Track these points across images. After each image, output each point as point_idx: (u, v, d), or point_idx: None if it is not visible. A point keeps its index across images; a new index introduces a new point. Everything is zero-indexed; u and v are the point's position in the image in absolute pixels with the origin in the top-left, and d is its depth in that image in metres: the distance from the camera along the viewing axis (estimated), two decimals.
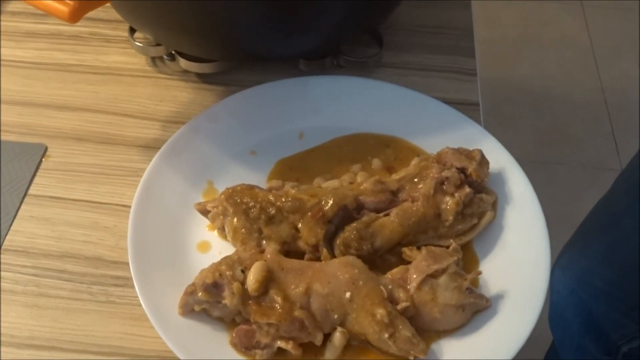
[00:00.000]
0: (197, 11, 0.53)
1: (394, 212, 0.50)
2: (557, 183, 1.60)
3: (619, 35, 1.93)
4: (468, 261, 0.50)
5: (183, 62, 0.62)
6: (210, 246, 0.51)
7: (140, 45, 0.63)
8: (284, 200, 0.50)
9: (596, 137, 1.72)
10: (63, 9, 0.45)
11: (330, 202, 0.49)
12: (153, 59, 0.65)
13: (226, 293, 0.44)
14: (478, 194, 0.52)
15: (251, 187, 0.51)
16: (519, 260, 0.50)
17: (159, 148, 0.55)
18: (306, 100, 0.60)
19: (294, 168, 0.56)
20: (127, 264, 0.48)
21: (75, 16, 0.46)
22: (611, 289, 0.75)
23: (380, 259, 0.50)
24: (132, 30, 0.64)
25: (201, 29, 0.56)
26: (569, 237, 0.82)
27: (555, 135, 1.71)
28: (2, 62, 0.64)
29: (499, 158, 0.55)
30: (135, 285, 0.47)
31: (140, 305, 0.46)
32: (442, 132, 0.58)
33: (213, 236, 0.52)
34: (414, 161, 0.54)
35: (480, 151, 0.53)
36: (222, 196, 0.50)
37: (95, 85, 0.63)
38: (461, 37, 0.69)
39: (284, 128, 0.59)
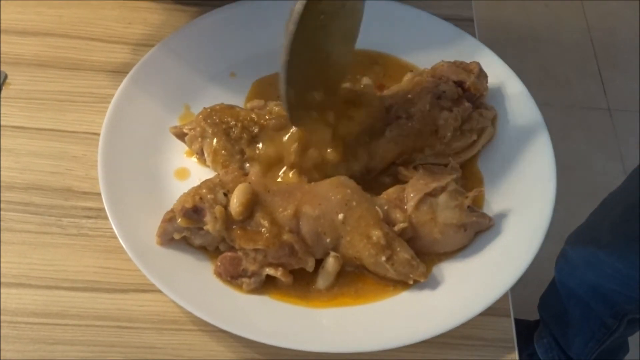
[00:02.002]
0: None
1: (387, 129, 0.45)
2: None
3: None
4: (471, 180, 0.46)
5: None
6: (189, 173, 0.47)
7: None
8: (267, 117, 0.45)
9: (583, 77, 1.69)
10: None
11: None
12: None
13: (208, 218, 0.40)
14: (477, 109, 0.48)
15: (231, 107, 0.47)
16: (523, 177, 0.46)
17: (129, 72, 0.50)
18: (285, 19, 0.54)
19: (275, 85, 0.52)
20: (99, 194, 0.44)
21: None
22: (622, 277, 0.72)
23: (374, 180, 0.46)
24: None
25: None
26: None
27: (542, 76, 1.67)
28: None
29: (497, 71, 0.51)
30: (109, 215, 0.43)
31: (115, 237, 0.42)
32: (435, 47, 0.53)
33: (192, 163, 0.48)
34: (407, 77, 0.50)
35: (478, 63, 0.49)
36: (200, 116, 0.46)
37: (57, 8, 0.57)
38: None
39: (266, 48, 0.53)
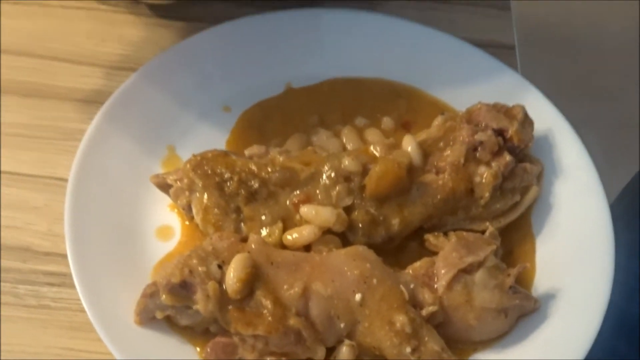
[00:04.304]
0: None
1: (414, 187, 0.46)
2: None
3: None
4: (520, 243, 0.47)
5: None
6: (174, 232, 0.47)
7: None
8: (270, 170, 0.46)
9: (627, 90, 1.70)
10: None
11: (332, 174, 0.45)
12: None
13: (198, 295, 0.40)
14: (520, 162, 0.48)
15: (226, 154, 0.47)
16: (574, 250, 0.47)
17: (101, 102, 0.50)
18: (295, 40, 0.55)
19: (272, 117, 0.53)
20: (64, 255, 0.44)
21: None
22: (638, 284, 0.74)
23: (397, 246, 0.46)
24: None
25: None
26: None
27: (584, 87, 1.69)
28: None
29: (545, 116, 0.52)
30: (76, 283, 0.43)
31: (82, 311, 0.42)
32: (470, 82, 0.54)
33: (177, 218, 0.48)
34: (437, 120, 0.50)
35: (523, 108, 0.49)
36: (188, 165, 0.46)
37: (18, 20, 0.57)
38: None
39: (267, 77, 0.54)
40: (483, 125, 0.49)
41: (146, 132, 0.50)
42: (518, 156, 0.49)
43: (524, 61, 0.60)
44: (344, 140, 0.51)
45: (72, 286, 0.43)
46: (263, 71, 0.54)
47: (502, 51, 0.57)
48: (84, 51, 0.56)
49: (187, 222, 0.47)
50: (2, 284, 0.45)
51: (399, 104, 0.54)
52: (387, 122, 0.52)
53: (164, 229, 0.47)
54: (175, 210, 0.48)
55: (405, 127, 0.53)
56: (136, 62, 0.55)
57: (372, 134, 0.51)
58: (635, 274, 0.75)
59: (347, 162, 0.45)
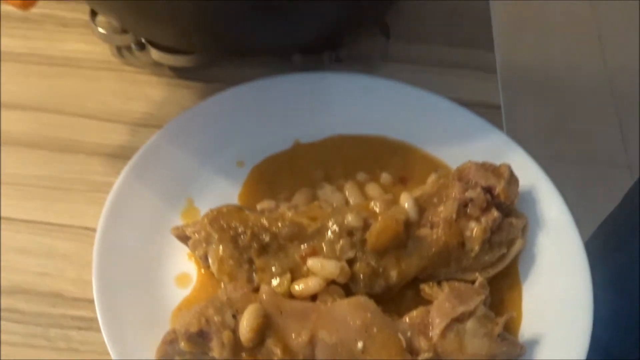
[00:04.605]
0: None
1: (410, 241, 0.45)
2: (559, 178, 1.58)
3: (628, 21, 1.91)
4: (507, 291, 0.47)
5: (155, 54, 0.56)
6: (191, 280, 0.47)
7: (104, 32, 0.57)
8: (280, 225, 0.45)
9: (602, 128, 1.71)
10: None
11: (336, 229, 0.45)
12: (119, 48, 0.59)
13: (214, 343, 0.40)
14: (506, 217, 0.48)
15: (240, 209, 0.46)
16: (556, 297, 0.46)
17: (127, 157, 0.50)
18: (302, 102, 0.55)
19: (281, 171, 0.52)
20: (92, 301, 0.43)
21: (28, 4, 0.40)
22: (618, 317, 0.73)
23: (395, 294, 0.46)
24: (94, 14, 0.58)
25: (177, 16, 0.51)
26: None
27: (559, 125, 1.69)
28: None
29: (528, 173, 0.51)
30: (102, 328, 0.42)
31: (107, 353, 0.41)
32: (460, 140, 0.54)
33: (194, 266, 0.47)
34: (431, 177, 0.50)
35: (509, 167, 0.49)
36: (205, 220, 0.46)
37: (50, 79, 0.57)
38: (478, 25, 0.65)
39: (277, 134, 0.54)
40: (473, 182, 0.48)
41: (168, 186, 0.50)
42: (504, 211, 0.48)
43: (508, 111, 0.60)
44: (347, 194, 0.50)
45: (98, 330, 0.42)
46: (274, 128, 0.54)
47: (489, 111, 0.57)
48: (111, 109, 0.56)
49: (202, 271, 0.47)
50: (35, 327, 0.45)
51: (396, 160, 0.54)
52: (385, 177, 0.52)
53: (182, 276, 0.47)
54: (193, 258, 0.47)
55: (402, 181, 0.52)
56: (159, 120, 0.55)
57: (372, 189, 0.51)
58: (612, 304, 0.74)
59: (349, 218, 0.45)
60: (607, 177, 1.66)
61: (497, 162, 0.50)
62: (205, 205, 0.49)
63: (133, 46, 0.58)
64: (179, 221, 0.49)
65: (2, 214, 0.49)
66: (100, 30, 0.57)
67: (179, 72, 0.58)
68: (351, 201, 0.50)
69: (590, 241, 0.85)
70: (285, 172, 0.52)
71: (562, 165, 1.61)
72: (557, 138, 1.65)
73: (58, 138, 0.54)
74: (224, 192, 0.50)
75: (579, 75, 1.83)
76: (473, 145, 0.53)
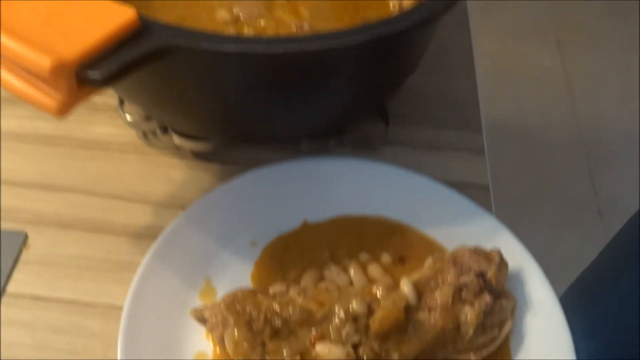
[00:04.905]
0: (194, 95, 0.48)
1: (410, 325, 0.45)
2: (535, 223, 1.58)
3: (596, 73, 1.93)
4: None
5: (176, 139, 0.56)
6: (209, 357, 0.46)
7: (131, 120, 0.57)
8: (290, 310, 0.44)
9: (574, 177, 1.71)
10: (50, 103, 0.39)
11: (342, 315, 0.44)
12: (144, 132, 0.59)
13: None
14: (497, 299, 0.47)
15: (254, 294, 0.46)
16: None
17: (151, 237, 0.49)
18: (310, 185, 0.55)
19: (290, 251, 0.52)
20: None
21: (63, 111, 0.40)
22: None
23: None
24: (122, 101, 0.58)
25: (197, 110, 0.51)
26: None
27: (537, 174, 1.69)
28: None
29: (515, 256, 0.51)
30: None
31: None
32: (454, 223, 0.53)
33: (211, 345, 0.46)
34: (428, 261, 0.49)
35: (500, 253, 0.49)
36: (222, 304, 0.45)
37: (82, 161, 0.57)
38: (467, 108, 0.65)
39: (287, 216, 0.53)
40: (466, 267, 0.48)
41: (188, 267, 0.49)
42: (495, 293, 0.48)
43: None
44: (351, 275, 0.50)
45: None
46: (284, 210, 0.53)
47: (479, 191, 0.57)
48: (136, 189, 0.55)
49: (218, 350, 0.46)
50: None
51: (395, 240, 0.53)
52: (385, 257, 0.51)
53: (200, 354, 0.46)
54: (210, 337, 0.46)
55: (401, 261, 0.52)
56: (180, 200, 0.54)
57: (374, 269, 0.50)
58: (589, 353, 0.73)
59: (354, 305, 0.44)
60: (578, 220, 1.66)
61: (488, 244, 0.50)
62: (221, 285, 0.48)
63: (157, 130, 0.58)
64: (197, 301, 0.48)
65: (35, 294, 0.48)
66: (128, 117, 0.57)
67: (199, 155, 0.58)
68: (355, 282, 0.49)
69: (568, 292, 0.84)
70: (294, 252, 0.52)
71: (538, 209, 1.61)
72: (533, 184, 1.66)
73: (88, 218, 0.53)
74: (239, 272, 0.50)
75: (550, 126, 1.84)
76: (465, 228, 0.53)
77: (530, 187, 1.66)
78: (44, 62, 0.37)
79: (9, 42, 0.38)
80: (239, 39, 0.43)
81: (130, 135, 0.59)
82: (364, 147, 0.59)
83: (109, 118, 0.60)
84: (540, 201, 1.62)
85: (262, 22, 0.53)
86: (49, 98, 0.39)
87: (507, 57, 1.92)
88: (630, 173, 1.66)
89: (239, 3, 0.54)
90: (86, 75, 0.38)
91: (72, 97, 0.39)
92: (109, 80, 0.39)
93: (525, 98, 1.85)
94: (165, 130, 0.58)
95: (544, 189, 1.66)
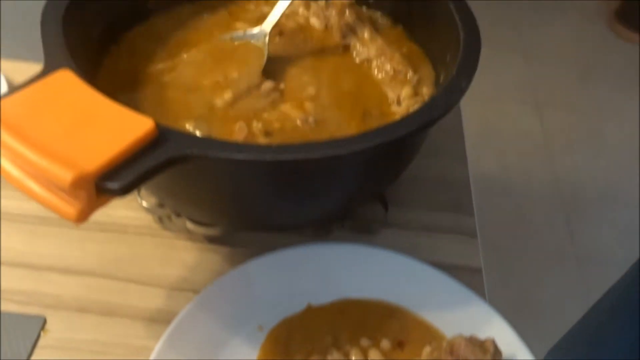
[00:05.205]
0: (206, 192, 0.46)
1: None
2: (516, 271, 1.55)
3: (571, 132, 1.93)
4: None
5: (189, 225, 0.54)
6: None
7: (147, 206, 0.55)
8: None
9: (552, 228, 1.69)
10: (69, 211, 0.37)
11: None
12: (160, 216, 0.57)
13: None
14: None
15: None
16: None
17: (163, 321, 0.47)
18: (314, 270, 0.52)
19: (295, 335, 0.49)
20: None
21: (82, 218, 0.38)
22: None
23: None
24: (139, 189, 0.56)
25: (208, 204, 0.49)
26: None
27: (516, 225, 1.67)
28: (2, 216, 0.56)
29: (507, 342, 0.48)
30: None
31: None
32: (449, 308, 0.51)
33: None
34: (426, 350, 0.47)
35: (494, 342, 0.46)
36: None
37: (100, 245, 0.55)
38: (460, 192, 0.63)
39: (292, 299, 0.51)
40: (462, 356, 0.45)
41: (198, 352, 0.47)
42: None
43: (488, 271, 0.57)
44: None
45: None
46: (289, 294, 0.51)
47: (472, 274, 0.55)
48: (151, 272, 0.53)
49: None
50: None
51: (394, 324, 0.51)
52: (385, 343, 0.49)
53: None
54: None
55: (399, 345, 0.49)
56: (192, 284, 0.52)
57: (374, 355, 0.48)
58: None
59: None
60: (556, 267, 1.64)
61: (482, 329, 0.48)
62: None
63: (172, 215, 0.56)
64: None
65: None
66: (144, 203, 0.55)
67: (209, 238, 0.56)
68: None
69: (554, 351, 0.81)
70: (299, 336, 0.49)
71: (521, 259, 1.58)
72: (515, 235, 1.63)
73: (104, 302, 0.51)
74: (246, 356, 0.47)
75: (530, 179, 1.83)
76: (460, 313, 0.50)
77: (513, 238, 1.63)
78: (66, 176, 0.35)
79: (32, 156, 0.37)
80: (249, 147, 0.41)
81: (147, 219, 0.57)
82: (365, 230, 0.57)
83: (127, 201, 0.58)
84: (523, 251, 1.60)
85: (268, 115, 0.51)
86: (68, 206, 0.37)
87: (490, 118, 1.92)
88: (605, 222, 1.64)
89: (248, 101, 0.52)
90: (105, 186, 0.36)
91: (91, 206, 0.37)
92: (126, 190, 0.37)
93: (507, 154, 1.84)
94: (179, 214, 0.56)
95: (525, 239, 1.63)
